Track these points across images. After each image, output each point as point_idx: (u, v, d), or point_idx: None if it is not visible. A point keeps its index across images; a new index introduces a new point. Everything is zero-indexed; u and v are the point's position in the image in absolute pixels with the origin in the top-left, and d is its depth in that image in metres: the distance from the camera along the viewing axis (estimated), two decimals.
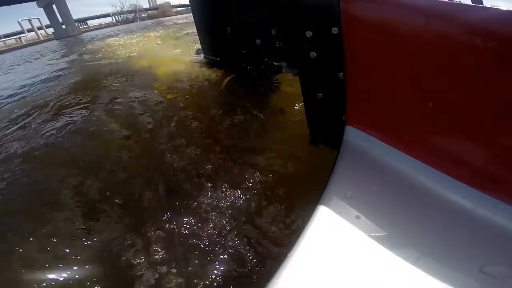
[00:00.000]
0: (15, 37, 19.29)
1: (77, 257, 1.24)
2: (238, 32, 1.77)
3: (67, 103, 2.47)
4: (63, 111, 2.32)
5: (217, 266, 1.26)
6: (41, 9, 17.51)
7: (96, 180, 1.58)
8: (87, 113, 2.20)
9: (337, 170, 1.13)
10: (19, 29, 19.12)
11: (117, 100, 2.32)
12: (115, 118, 2.07)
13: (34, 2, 17.58)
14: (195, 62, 2.68)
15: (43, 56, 8.99)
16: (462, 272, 0.79)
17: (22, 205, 1.47)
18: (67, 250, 1.26)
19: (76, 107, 2.34)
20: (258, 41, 1.65)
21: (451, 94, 0.98)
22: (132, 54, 4.62)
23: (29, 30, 19.13)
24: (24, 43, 17.49)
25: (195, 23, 2.22)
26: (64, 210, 1.42)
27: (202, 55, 2.65)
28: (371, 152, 1.18)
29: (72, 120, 2.12)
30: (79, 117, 2.16)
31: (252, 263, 1.26)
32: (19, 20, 18.69)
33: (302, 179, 1.56)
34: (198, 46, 2.88)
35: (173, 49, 4.25)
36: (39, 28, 19.32)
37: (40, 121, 2.24)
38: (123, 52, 5.07)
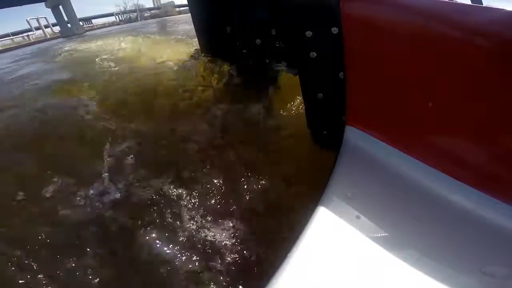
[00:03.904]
0: (22, 35, 19.64)
1: None
2: (238, 32, 1.77)
3: None
4: None
5: None
6: (49, 10, 18.09)
7: None
8: None
9: (337, 170, 1.13)
10: (27, 27, 19.54)
11: None
12: None
13: (43, 3, 18.05)
14: None
15: None
16: (462, 272, 0.79)
17: None
18: None
19: None
20: (258, 41, 1.65)
21: (451, 94, 0.98)
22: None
23: (37, 28, 19.53)
24: (32, 40, 17.86)
25: (194, 22, 2.21)
26: None
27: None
28: (371, 152, 1.18)
29: None
30: None
31: None
32: (28, 19, 19.15)
33: None
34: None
35: None
36: (46, 27, 19.67)
37: None
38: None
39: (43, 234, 1.38)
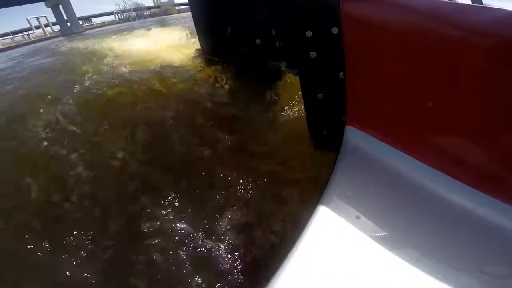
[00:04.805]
0: (22, 34, 19.68)
1: None
2: (238, 32, 1.77)
3: None
4: None
5: None
6: (49, 9, 18.26)
7: None
8: None
9: (337, 170, 1.14)
10: (27, 26, 19.67)
11: None
12: None
13: (43, 2, 18.18)
14: None
15: None
16: (462, 272, 0.79)
17: None
18: None
19: None
20: (258, 41, 1.65)
21: (451, 94, 0.98)
22: None
23: (37, 27, 19.63)
24: (32, 39, 17.92)
25: (194, 22, 2.20)
26: None
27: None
28: (371, 152, 1.18)
29: None
30: None
31: None
32: (28, 18, 19.28)
33: None
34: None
35: None
36: (46, 26, 19.75)
37: None
38: None
39: None
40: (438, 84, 0.99)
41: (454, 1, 1.07)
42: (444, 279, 0.77)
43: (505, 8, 0.89)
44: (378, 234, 0.89)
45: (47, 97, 2.16)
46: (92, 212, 1.51)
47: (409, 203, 1.00)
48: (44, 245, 1.38)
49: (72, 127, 1.86)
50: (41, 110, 2.00)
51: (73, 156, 1.70)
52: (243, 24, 1.71)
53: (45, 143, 1.75)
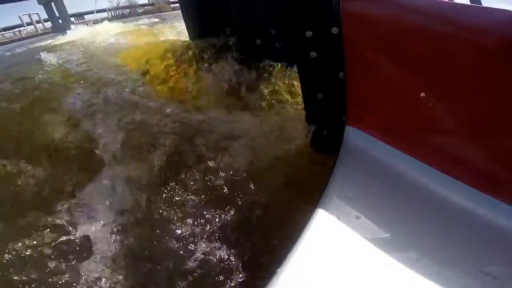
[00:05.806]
0: (12, 30, 19.53)
1: None
2: (237, 32, 1.76)
3: None
4: None
5: None
6: (41, 7, 18.19)
7: None
8: None
9: (337, 170, 1.13)
10: (19, 23, 19.56)
11: None
12: None
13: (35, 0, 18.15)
14: None
15: None
16: (462, 272, 0.79)
17: None
18: None
19: None
20: (258, 41, 1.64)
21: (451, 94, 0.98)
22: None
23: (28, 24, 19.54)
24: (24, 35, 17.81)
25: (185, 22, 2.08)
26: None
27: None
28: (372, 152, 1.18)
29: None
30: None
31: None
32: (20, 15, 19.30)
33: None
34: None
35: None
36: (38, 22, 19.64)
37: None
38: None
39: None
40: (438, 84, 1.00)
41: (454, 1, 1.08)
42: (444, 279, 0.77)
43: (504, 8, 0.89)
44: (378, 235, 0.89)
45: None
46: None
47: (409, 204, 1.00)
48: None
49: None
50: None
51: None
52: (242, 24, 1.69)
53: None
